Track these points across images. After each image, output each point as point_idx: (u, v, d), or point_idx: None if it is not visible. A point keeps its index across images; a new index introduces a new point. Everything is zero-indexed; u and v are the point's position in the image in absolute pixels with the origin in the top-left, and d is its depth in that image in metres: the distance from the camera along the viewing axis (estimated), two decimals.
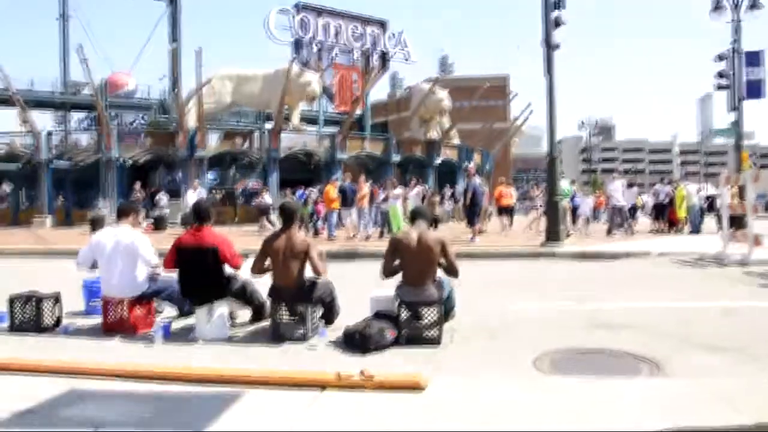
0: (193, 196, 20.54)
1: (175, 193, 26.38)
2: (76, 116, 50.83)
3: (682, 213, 18.77)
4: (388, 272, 6.04)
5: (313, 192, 21.29)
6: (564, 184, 17.38)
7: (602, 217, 25.20)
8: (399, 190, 17.19)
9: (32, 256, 15.07)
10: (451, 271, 5.96)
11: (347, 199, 17.47)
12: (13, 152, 28.72)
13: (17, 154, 28.87)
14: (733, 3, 18.01)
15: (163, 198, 24.20)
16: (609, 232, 17.88)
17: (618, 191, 18.14)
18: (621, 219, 18.23)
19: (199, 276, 5.92)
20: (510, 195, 20.79)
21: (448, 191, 29.17)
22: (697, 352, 5.20)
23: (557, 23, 14.34)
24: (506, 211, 19.90)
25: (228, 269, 6.08)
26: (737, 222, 12.75)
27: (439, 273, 5.95)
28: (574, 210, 20.06)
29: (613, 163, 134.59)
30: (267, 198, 22.19)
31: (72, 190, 29.90)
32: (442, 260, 5.89)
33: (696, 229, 18.57)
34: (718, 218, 17.11)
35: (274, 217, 20.76)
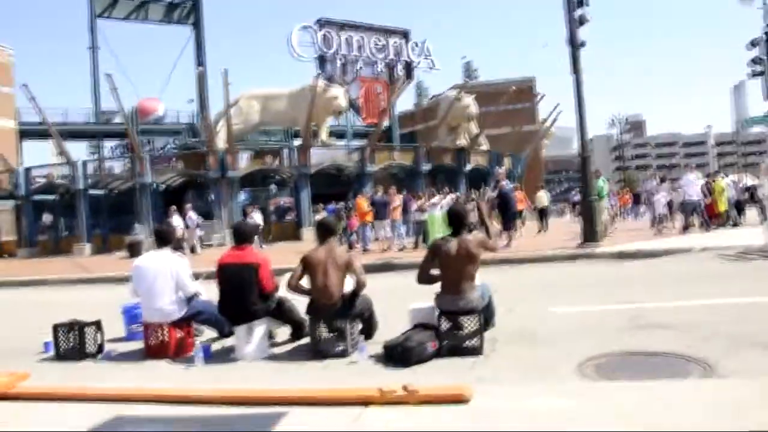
0: (178, 220, 20.83)
1: (207, 216, 26.73)
2: (109, 144, 51.90)
3: (722, 206, 18.11)
4: (424, 278, 5.96)
5: (342, 206, 21.26)
6: (601, 183, 16.91)
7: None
8: (436, 199, 17.10)
9: (72, 284, 15.34)
10: (491, 249, 6.09)
11: (379, 211, 17.44)
12: (51, 183, 29.45)
13: (55, 185, 29.59)
14: None
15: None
16: (685, 228, 16.78)
17: (692, 185, 16.93)
18: (695, 214, 16.96)
19: (239, 294, 5.93)
20: (523, 200, 20.68)
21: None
22: (750, 351, 4.99)
23: (581, 21, 14.21)
24: (519, 215, 19.76)
25: None
26: None
27: (478, 281, 5.85)
28: None
29: (646, 159, 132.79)
30: (256, 217, 21.50)
31: (108, 216, 30.48)
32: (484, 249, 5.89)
33: (734, 222, 18.12)
34: (760, 209, 16.68)
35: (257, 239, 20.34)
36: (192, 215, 22.36)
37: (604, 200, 16.27)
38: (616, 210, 21.54)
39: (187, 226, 21.54)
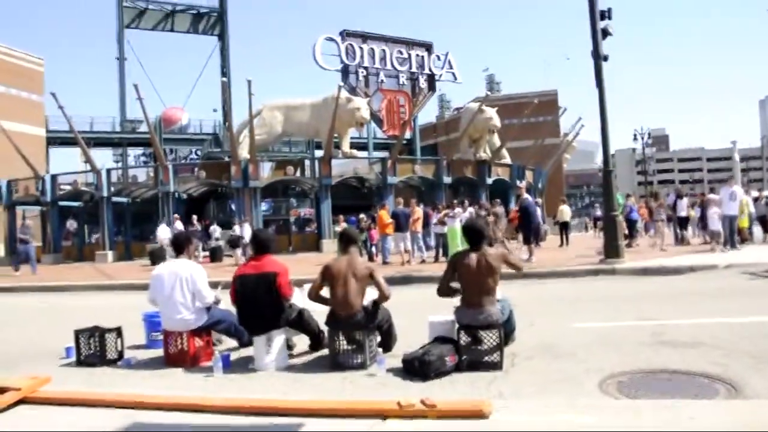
0: (165, 231, 21.00)
1: (228, 225, 26.93)
2: (133, 152, 52.69)
3: (744, 223, 17.49)
4: (444, 291, 5.92)
5: (364, 217, 21.27)
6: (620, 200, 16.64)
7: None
8: (456, 212, 17.04)
9: (95, 290, 15.49)
10: (516, 268, 6.17)
11: (401, 224, 17.41)
12: (76, 190, 29.85)
13: (80, 192, 30.00)
14: None
15: (216, 230, 24.69)
16: (725, 244, 16.02)
17: (727, 201, 16.10)
18: (730, 231, 16.11)
19: (259, 304, 5.92)
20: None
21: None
22: None
23: (605, 34, 14.14)
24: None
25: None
26: None
27: (498, 295, 5.81)
28: (630, 224, 19.44)
29: (670, 174, 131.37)
30: (238, 229, 21.43)
31: (131, 224, 30.81)
32: (505, 267, 5.83)
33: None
34: None
35: (239, 252, 20.09)
36: (178, 225, 22.36)
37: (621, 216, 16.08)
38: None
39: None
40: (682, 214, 19.74)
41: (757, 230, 19.29)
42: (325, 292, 6.06)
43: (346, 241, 6.27)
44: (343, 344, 5.77)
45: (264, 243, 6.26)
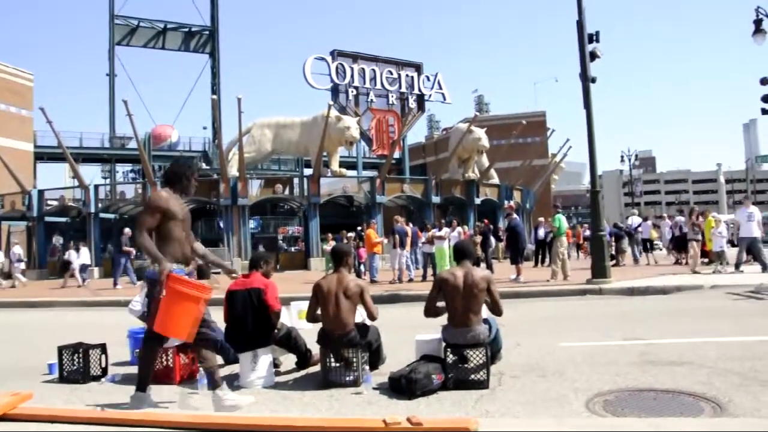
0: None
1: (214, 242, 26.84)
2: (122, 169, 52.49)
3: (711, 244, 17.05)
4: (431, 311, 5.91)
5: (353, 235, 21.33)
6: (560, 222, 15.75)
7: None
8: (444, 232, 17.08)
9: (80, 306, 15.34)
10: (496, 310, 5.81)
11: (401, 241, 17.42)
12: (63, 206, 29.67)
13: (67, 208, 29.81)
14: None
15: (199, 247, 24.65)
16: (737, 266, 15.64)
17: (745, 222, 15.96)
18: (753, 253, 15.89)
19: (246, 320, 5.90)
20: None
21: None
22: (761, 388, 4.90)
23: (593, 56, 14.31)
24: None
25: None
26: None
27: (485, 313, 5.81)
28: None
29: (657, 196, 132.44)
30: (71, 254, 22.04)
31: (118, 240, 30.62)
32: (487, 298, 5.76)
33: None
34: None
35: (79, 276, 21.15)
36: (15, 250, 23.06)
37: (562, 237, 15.91)
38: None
39: (9, 261, 22.85)
40: (646, 235, 21.10)
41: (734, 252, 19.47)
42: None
43: (335, 258, 6.23)
44: (332, 362, 5.74)
45: (252, 260, 6.45)
